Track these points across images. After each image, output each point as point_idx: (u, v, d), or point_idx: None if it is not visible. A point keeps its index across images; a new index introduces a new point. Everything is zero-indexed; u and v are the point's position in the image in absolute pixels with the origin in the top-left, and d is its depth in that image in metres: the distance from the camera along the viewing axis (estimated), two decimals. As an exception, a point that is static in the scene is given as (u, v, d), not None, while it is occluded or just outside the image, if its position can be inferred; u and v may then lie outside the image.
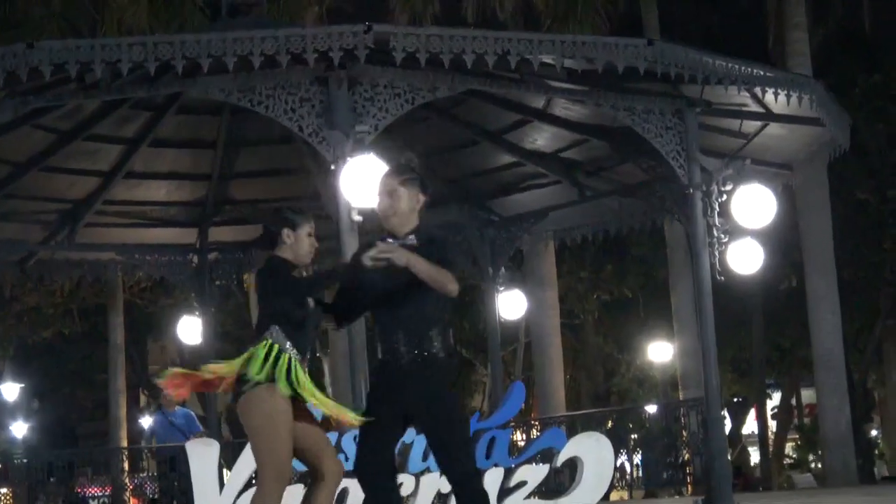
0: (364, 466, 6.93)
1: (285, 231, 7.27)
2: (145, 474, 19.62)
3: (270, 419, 6.94)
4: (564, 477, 12.55)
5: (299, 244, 7.28)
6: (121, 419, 29.37)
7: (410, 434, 10.95)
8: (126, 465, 19.12)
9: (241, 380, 7.06)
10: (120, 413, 29.35)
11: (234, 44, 10.50)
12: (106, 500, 19.52)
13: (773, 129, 14.18)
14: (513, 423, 12.87)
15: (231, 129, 16.26)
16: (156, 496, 18.50)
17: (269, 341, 7.03)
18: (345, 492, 10.76)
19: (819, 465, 33.99)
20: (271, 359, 6.98)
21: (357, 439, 7.10)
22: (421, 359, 6.84)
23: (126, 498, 18.80)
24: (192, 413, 18.04)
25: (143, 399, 43.87)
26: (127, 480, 18.85)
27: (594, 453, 11.65)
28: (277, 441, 6.96)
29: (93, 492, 20.14)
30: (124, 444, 28.35)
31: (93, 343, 35.24)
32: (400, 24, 21.20)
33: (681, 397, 24.79)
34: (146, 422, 39.23)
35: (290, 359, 7.00)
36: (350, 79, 11.09)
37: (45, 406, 41.75)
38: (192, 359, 35.71)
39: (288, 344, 7.03)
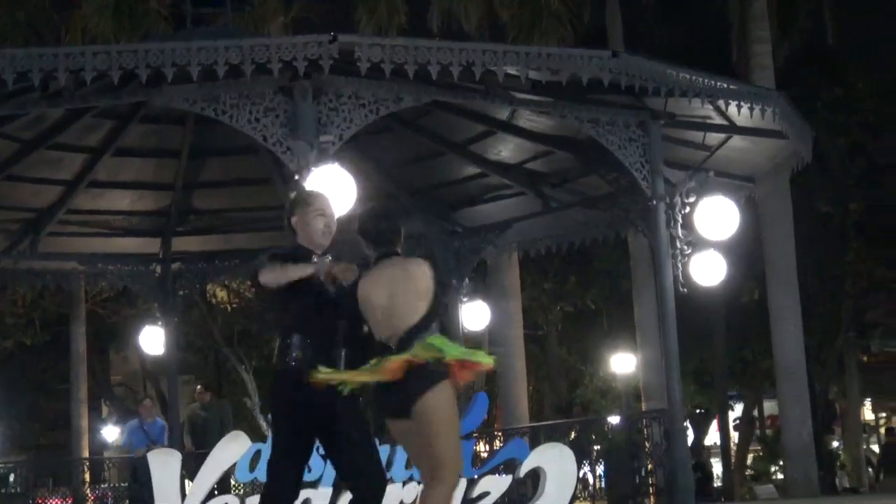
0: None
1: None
2: (107, 485, 19.53)
3: (455, 415, 6.89)
4: (527, 488, 12.57)
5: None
6: (83, 430, 29.18)
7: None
8: (87, 476, 19.03)
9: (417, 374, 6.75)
10: (82, 423, 29.17)
11: (198, 53, 10.47)
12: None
13: (737, 141, 14.24)
14: (476, 434, 12.87)
15: (195, 138, 16.22)
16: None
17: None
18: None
19: (781, 477, 34.05)
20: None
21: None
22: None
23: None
24: (166, 425, 17.98)
25: (105, 410, 43.59)
26: (88, 491, 18.75)
27: (557, 464, 11.68)
28: (457, 437, 6.97)
29: (54, 503, 20.04)
30: (86, 454, 28.18)
31: (55, 353, 34.98)
32: (365, 34, 21.20)
33: (644, 408, 24.82)
34: (109, 432, 39.14)
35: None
36: (315, 89, 11.07)
37: (6, 416, 41.41)
38: (154, 369, 35.63)
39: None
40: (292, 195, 7.44)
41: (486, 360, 6.97)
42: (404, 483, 11.16)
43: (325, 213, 7.23)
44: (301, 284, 6.83)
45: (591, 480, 18.07)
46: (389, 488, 10.85)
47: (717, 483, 37.50)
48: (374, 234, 7.09)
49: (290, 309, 7.02)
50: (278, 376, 7.08)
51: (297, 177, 10.97)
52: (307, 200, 7.30)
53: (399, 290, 6.88)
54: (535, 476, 11.76)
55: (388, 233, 7.11)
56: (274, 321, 6.85)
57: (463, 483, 11.25)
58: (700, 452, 28.66)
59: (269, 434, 7.01)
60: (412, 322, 6.77)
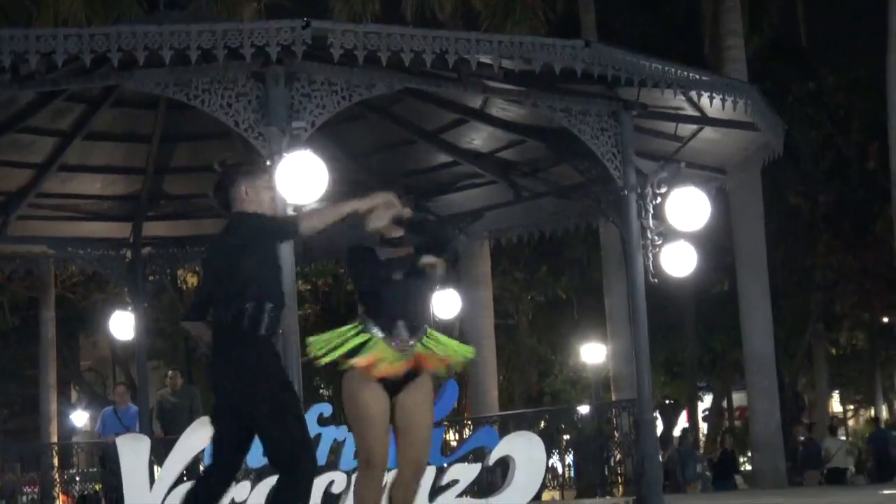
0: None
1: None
2: (75, 470, 19.47)
3: (361, 402, 7.21)
4: (496, 476, 12.58)
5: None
6: (51, 415, 29.08)
7: (342, 431, 10.99)
8: (56, 461, 18.96)
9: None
10: (50, 409, 29.07)
11: (170, 37, 10.44)
12: (35, 496, 19.34)
13: (708, 132, 14.27)
14: (445, 423, 12.88)
15: (167, 123, 16.15)
16: (85, 493, 18.39)
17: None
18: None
19: (749, 468, 34.18)
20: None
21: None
22: None
23: (55, 494, 18.63)
24: (137, 411, 17.92)
25: (74, 395, 43.48)
26: (57, 476, 18.68)
27: (526, 453, 11.70)
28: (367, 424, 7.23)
29: (24, 487, 19.95)
30: (55, 439, 28.09)
31: (24, 337, 34.84)
32: (339, 20, 21.15)
33: (613, 399, 24.90)
34: (78, 417, 39.02)
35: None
36: (287, 75, 11.05)
37: (-26, 401, 41.28)
38: (124, 355, 35.54)
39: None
40: (231, 163, 7.36)
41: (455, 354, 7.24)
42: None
43: (272, 188, 7.33)
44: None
45: (560, 470, 18.14)
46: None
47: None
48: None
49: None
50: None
51: (268, 162, 10.96)
52: (259, 171, 7.37)
53: None
54: (505, 465, 11.78)
55: None
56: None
57: (432, 471, 11.27)
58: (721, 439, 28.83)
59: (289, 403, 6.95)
60: None
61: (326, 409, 11.14)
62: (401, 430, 7.21)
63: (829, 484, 25.24)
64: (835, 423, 32.12)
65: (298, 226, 7.03)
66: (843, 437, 32.51)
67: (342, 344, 7.02)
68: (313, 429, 10.65)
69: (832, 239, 32.98)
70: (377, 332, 7.03)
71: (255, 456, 10.57)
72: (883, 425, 33.54)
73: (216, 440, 6.98)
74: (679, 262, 13.30)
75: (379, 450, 7.11)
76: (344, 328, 7.10)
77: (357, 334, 7.04)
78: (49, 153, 16.13)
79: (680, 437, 27.87)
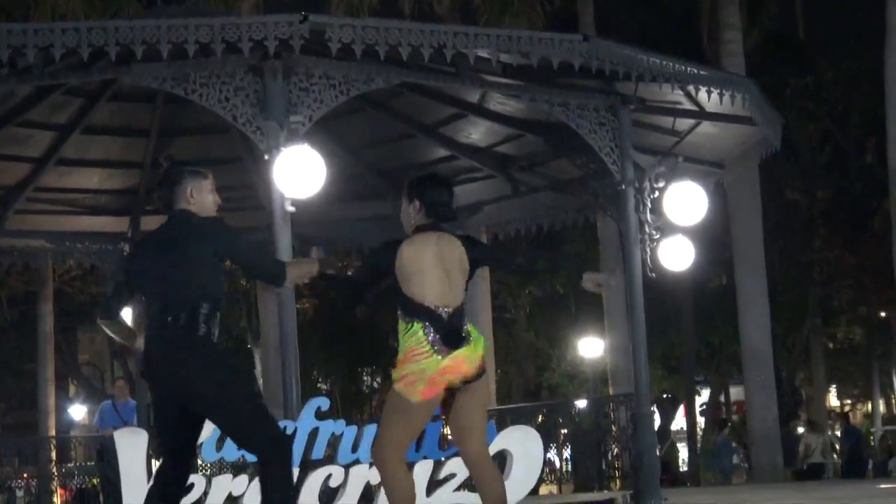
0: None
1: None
2: (73, 464, 19.49)
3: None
4: (494, 470, 12.57)
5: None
6: (49, 409, 29.10)
7: (340, 425, 11.00)
8: (54, 455, 18.97)
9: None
10: (48, 403, 29.09)
11: (168, 31, 10.44)
12: (33, 489, 19.37)
13: (706, 127, 14.28)
14: (443, 416, 12.88)
15: (165, 117, 16.15)
16: (83, 487, 18.40)
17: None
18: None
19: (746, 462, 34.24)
20: None
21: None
22: None
23: (53, 488, 18.66)
24: (136, 406, 17.92)
25: (72, 389, 43.51)
26: (55, 470, 18.70)
27: (523, 447, 11.70)
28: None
29: (20, 481, 19.98)
30: (53, 433, 28.11)
31: (22, 331, 34.88)
32: (337, 14, 21.15)
33: (611, 393, 24.91)
34: (76, 411, 39.03)
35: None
36: (285, 69, 11.05)
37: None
38: (121, 349, 35.53)
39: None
40: (168, 164, 7.21)
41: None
42: (371, 464, 11.16)
43: (215, 192, 7.23)
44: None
45: (557, 464, 18.12)
46: (357, 469, 10.92)
47: (683, 468, 37.66)
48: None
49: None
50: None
51: (266, 157, 10.97)
52: (203, 173, 7.22)
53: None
54: (502, 459, 11.77)
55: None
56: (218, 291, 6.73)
57: (429, 465, 11.28)
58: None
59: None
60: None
61: (324, 402, 11.14)
62: (458, 429, 7.26)
63: (801, 480, 25.21)
64: (816, 421, 32.15)
65: (286, 277, 7.05)
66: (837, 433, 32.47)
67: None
68: (311, 423, 10.68)
69: (830, 234, 32.98)
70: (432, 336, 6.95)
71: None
72: (850, 421, 33.68)
73: (165, 440, 6.96)
74: (677, 256, 13.30)
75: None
76: (410, 342, 6.98)
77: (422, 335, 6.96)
78: (47, 147, 16.12)
79: (718, 428, 27.91)
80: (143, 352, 6.86)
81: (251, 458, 10.56)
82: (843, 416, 34.22)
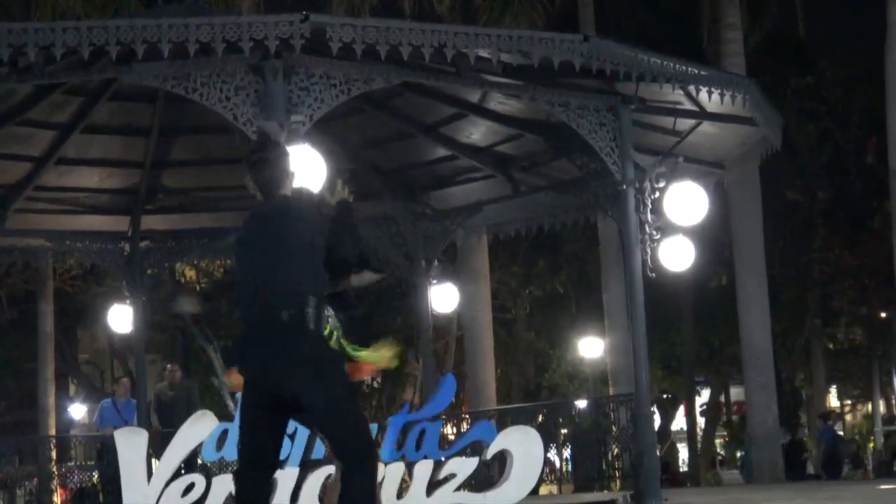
0: None
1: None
2: (73, 463, 19.48)
3: None
4: (494, 470, 12.59)
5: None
6: (49, 408, 29.07)
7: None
8: (54, 454, 18.97)
9: None
10: (48, 402, 29.04)
11: (168, 30, 10.44)
12: (33, 489, 19.35)
13: (707, 127, 14.28)
14: (443, 416, 12.89)
15: (165, 116, 16.16)
16: (83, 486, 18.38)
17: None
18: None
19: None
20: None
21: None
22: None
23: (53, 487, 18.65)
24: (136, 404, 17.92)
25: (72, 388, 43.48)
26: (55, 469, 18.70)
27: (523, 447, 11.70)
28: None
29: (20, 481, 19.95)
30: (53, 432, 28.09)
31: (22, 331, 34.82)
32: (337, 14, 21.14)
33: (611, 393, 24.90)
34: (76, 410, 39.01)
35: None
36: (286, 68, 11.05)
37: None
38: (122, 348, 35.53)
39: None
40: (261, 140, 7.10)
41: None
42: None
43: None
44: None
45: (557, 464, 18.11)
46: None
47: (683, 468, 37.68)
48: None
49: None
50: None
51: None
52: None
53: None
54: (502, 459, 11.78)
55: None
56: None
57: (430, 465, 11.28)
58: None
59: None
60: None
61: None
62: None
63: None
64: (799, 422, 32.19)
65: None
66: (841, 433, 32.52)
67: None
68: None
69: (830, 234, 32.99)
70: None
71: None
72: (828, 422, 33.68)
73: (253, 437, 6.57)
74: (677, 256, 13.30)
75: None
76: None
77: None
78: (47, 146, 16.13)
79: (823, 421, 27.92)
80: (237, 346, 6.62)
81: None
82: (821, 417, 34.23)
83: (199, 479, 10.97)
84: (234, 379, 6.64)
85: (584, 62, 11.62)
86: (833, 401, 48.80)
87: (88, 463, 18.70)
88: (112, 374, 41.46)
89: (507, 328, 36.41)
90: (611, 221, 16.75)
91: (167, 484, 10.86)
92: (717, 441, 43.62)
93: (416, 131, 16.07)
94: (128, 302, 17.72)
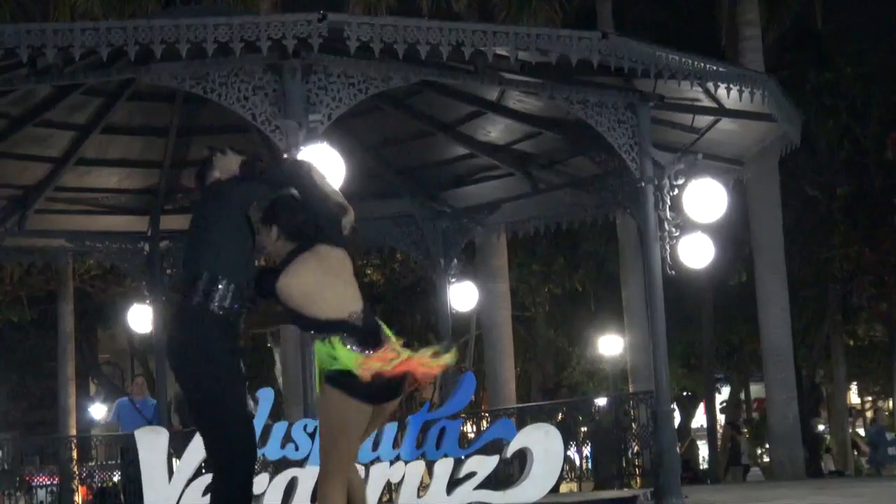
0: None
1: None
2: (94, 463, 19.51)
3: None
4: (514, 468, 12.59)
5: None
6: (70, 408, 29.12)
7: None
8: (75, 454, 19.01)
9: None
10: (69, 402, 29.10)
11: (187, 30, 10.47)
12: (54, 488, 19.41)
13: (726, 124, 14.25)
14: (463, 415, 12.89)
15: (184, 116, 16.20)
16: (104, 485, 18.41)
17: None
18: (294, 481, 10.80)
19: (767, 460, 34.18)
20: None
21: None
22: None
23: (74, 486, 18.70)
24: (156, 403, 17.94)
25: (92, 388, 43.58)
26: (76, 469, 18.74)
27: (543, 445, 11.68)
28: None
29: (41, 480, 20.03)
30: (73, 432, 28.16)
31: (42, 331, 34.93)
32: (355, 13, 21.16)
33: (631, 390, 24.87)
34: (97, 409, 39.09)
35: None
36: (304, 67, 11.07)
37: (-7, 394, 41.46)
38: (142, 348, 35.59)
39: None
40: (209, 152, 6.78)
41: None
42: (391, 462, 11.18)
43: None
44: None
45: (577, 462, 18.11)
46: (377, 467, 10.93)
47: (704, 465, 37.60)
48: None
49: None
50: None
51: (285, 156, 10.97)
52: (222, 149, 6.83)
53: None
54: (522, 457, 11.77)
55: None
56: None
57: (450, 463, 11.28)
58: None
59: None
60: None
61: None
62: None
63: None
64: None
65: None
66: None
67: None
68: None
69: (850, 230, 32.82)
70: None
71: (274, 448, 10.72)
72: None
73: None
74: (696, 253, 13.29)
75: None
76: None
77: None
78: (67, 147, 16.18)
79: (872, 418, 27.91)
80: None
81: (271, 455, 10.64)
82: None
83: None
84: None
85: (602, 59, 11.61)
86: (854, 397, 48.64)
87: (109, 462, 18.73)
88: (132, 373, 41.54)
89: (526, 326, 36.36)
90: (630, 219, 16.72)
91: (188, 483, 10.88)
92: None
93: (435, 130, 16.07)
94: (147, 302, 17.76)
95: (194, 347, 6.13)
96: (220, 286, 6.16)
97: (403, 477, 11.14)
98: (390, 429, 11.00)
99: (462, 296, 17.15)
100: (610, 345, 32.70)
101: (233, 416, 6.12)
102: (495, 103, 15.00)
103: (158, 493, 10.93)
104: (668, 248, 13.14)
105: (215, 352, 6.14)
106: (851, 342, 39.51)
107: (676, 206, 13.17)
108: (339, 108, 11.25)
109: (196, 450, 10.83)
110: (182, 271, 6.35)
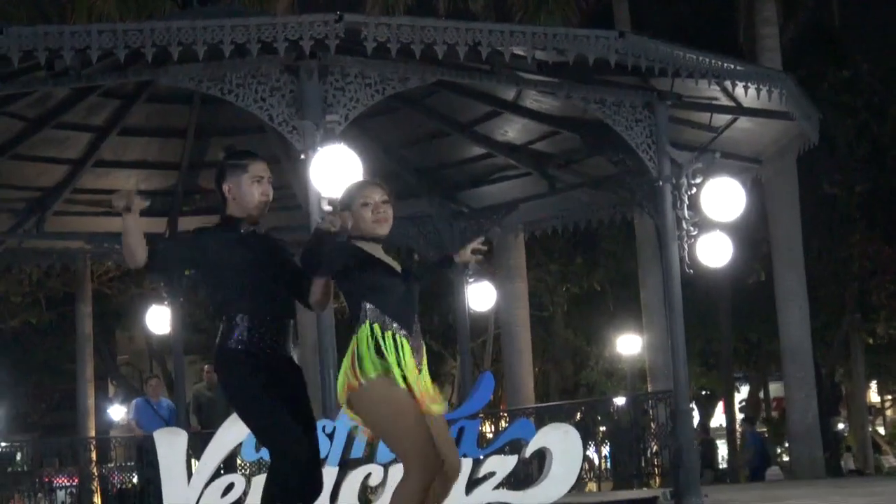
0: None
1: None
2: (113, 464, 19.56)
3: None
4: (533, 468, 12.57)
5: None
6: (89, 409, 29.22)
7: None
8: (94, 456, 19.06)
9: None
10: (88, 403, 29.20)
11: (204, 32, 10.48)
12: (73, 490, 19.45)
13: (743, 122, 14.22)
14: (482, 414, 12.87)
15: (201, 118, 16.21)
16: (123, 487, 18.44)
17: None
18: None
19: (786, 458, 34.11)
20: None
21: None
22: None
23: (94, 488, 18.74)
24: (174, 406, 17.95)
25: (111, 389, 43.68)
26: (95, 470, 18.79)
27: (562, 445, 11.66)
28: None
29: (60, 482, 20.07)
30: (92, 434, 28.23)
31: (61, 333, 35.04)
32: (371, 13, 21.16)
33: (649, 390, 24.84)
34: (115, 411, 39.19)
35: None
36: (321, 68, 11.08)
37: (12, 396, 41.54)
38: (160, 349, 35.67)
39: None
40: (223, 158, 6.60)
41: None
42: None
43: (263, 180, 6.46)
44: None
45: (596, 461, 18.10)
46: (395, 467, 10.91)
47: (723, 465, 37.52)
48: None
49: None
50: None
51: (302, 157, 10.99)
52: (242, 165, 6.49)
53: None
54: (541, 456, 11.75)
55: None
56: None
57: (468, 463, 11.26)
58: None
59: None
60: None
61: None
62: None
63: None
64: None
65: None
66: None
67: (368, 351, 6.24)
68: (350, 421, 10.65)
69: (868, 228, 32.75)
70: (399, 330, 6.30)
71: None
72: (753, 425, 33.78)
73: None
74: (714, 252, 13.25)
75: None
76: (362, 340, 6.27)
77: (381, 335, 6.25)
78: (84, 149, 16.21)
79: (750, 424, 28.00)
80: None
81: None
82: (747, 420, 34.36)
83: (238, 479, 10.99)
84: None
85: (619, 59, 11.59)
86: (873, 396, 48.49)
87: (129, 464, 18.77)
88: (151, 374, 41.60)
89: (544, 326, 36.34)
90: (648, 218, 16.70)
91: (207, 484, 10.89)
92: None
93: (452, 130, 16.07)
94: (166, 303, 17.79)
95: (231, 388, 6.36)
96: (238, 324, 6.31)
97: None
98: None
99: (480, 296, 17.13)
100: (628, 344, 32.65)
101: (269, 422, 6.23)
102: (512, 103, 14.99)
103: (178, 494, 10.94)
104: (686, 247, 13.11)
105: (249, 388, 6.27)
106: (870, 340, 39.38)
107: (694, 205, 13.14)
108: (357, 109, 11.25)
109: (215, 451, 10.84)
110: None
